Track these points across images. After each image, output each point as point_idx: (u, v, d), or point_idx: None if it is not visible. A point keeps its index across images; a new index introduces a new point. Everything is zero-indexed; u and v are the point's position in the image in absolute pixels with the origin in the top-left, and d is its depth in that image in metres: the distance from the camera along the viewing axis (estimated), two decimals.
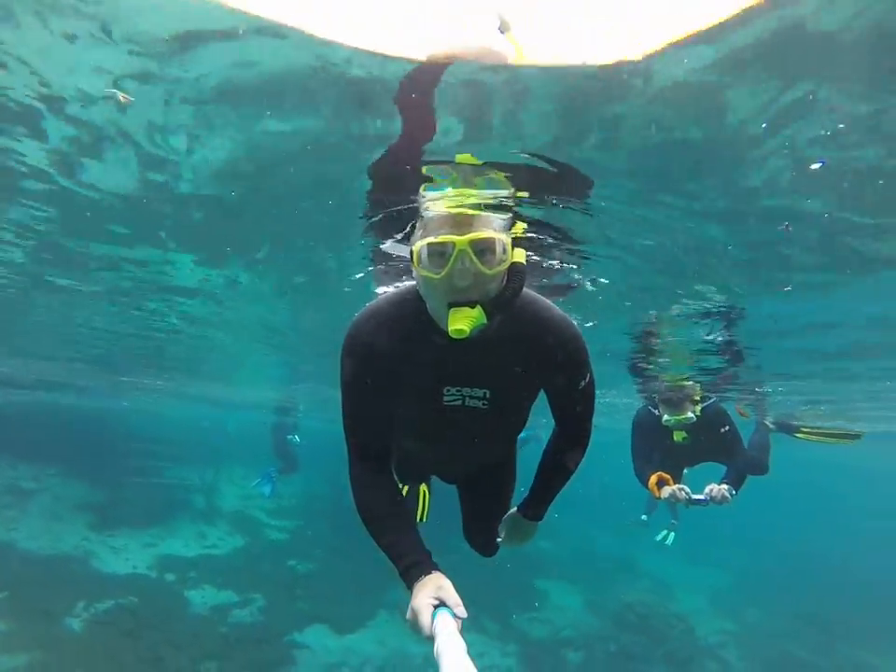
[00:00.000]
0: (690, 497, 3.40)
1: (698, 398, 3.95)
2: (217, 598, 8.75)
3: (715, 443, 3.96)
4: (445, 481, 2.29)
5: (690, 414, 3.78)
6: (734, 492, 3.54)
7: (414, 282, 1.57)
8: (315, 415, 16.13)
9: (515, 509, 2.05)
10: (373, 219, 2.56)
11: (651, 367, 5.50)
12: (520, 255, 1.41)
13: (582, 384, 1.65)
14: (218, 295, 4.53)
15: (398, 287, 1.73)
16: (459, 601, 1.27)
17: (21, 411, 14.88)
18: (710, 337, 4.43)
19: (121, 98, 1.72)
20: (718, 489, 3.48)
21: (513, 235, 2.54)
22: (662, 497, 3.51)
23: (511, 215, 2.38)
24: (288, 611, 8.66)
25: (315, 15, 1.45)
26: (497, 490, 2.27)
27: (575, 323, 1.59)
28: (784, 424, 4.87)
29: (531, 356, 1.57)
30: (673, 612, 9.86)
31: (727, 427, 3.94)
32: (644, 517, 10.31)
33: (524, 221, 2.49)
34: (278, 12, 1.44)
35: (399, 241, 2.70)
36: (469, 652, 1.09)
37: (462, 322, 1.31)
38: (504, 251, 1.35)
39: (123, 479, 12.36)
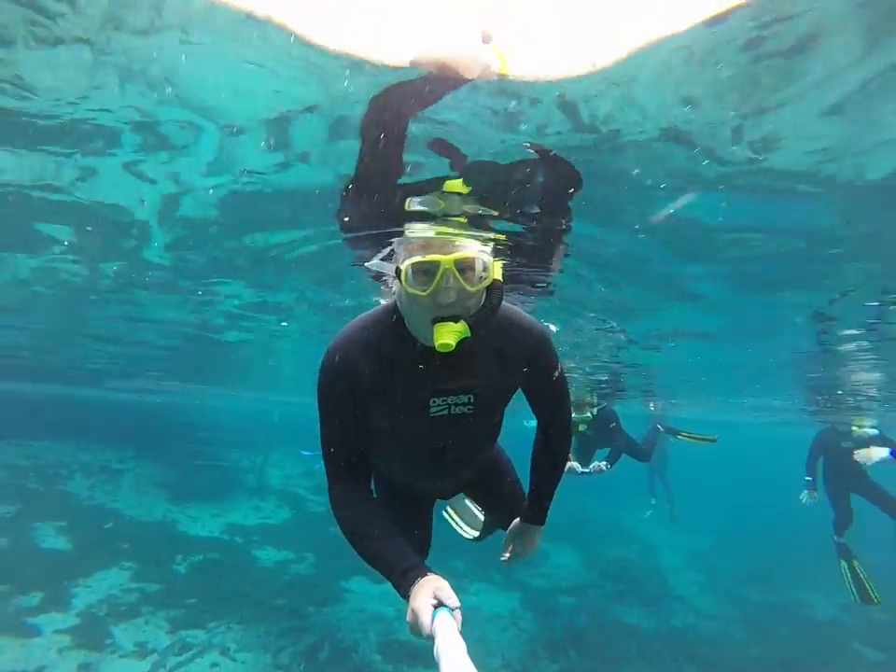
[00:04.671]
0: (580, 471, 5.19)
1: (595, 402, 5.85)
2: (278, 556, 10.85)
3: (606, 434, 5.87)
4: (436, 497, 2.29)
5: (588, 414, 5.71)
6: (609, 466, 5.42)
7: (383, 304, 1.69)
8: None
9: (518, 520, 2.10)
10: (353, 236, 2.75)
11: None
12: (498, 272, 1.48)
13: (556, 374, 1.79)
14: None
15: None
16: (456, 600, 1.28)
17: (102, 404, 17.28)
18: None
19: None
20: (596, 465, 5.35)
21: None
22: (566, 469, 5.28)
23: (492, 246, 2.56)
24: (335, 566, 10.68)
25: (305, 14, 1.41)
26: (499, 482, 2.35)
27: (539, 322, 1.74)
28: (670, 429, 6.72)
29: (507, 358, 1.66)
30: (652, 566, 11.78)
31: (614, 424, 5.87)
32: (653, 501, 12.72)
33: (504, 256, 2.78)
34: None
35: (382, 259, 2.84)
36: (468, 652, 1.09)
37: (448, 336, 1.38)
38: (485, 269, 1.44)
39: (188, 462, 14.64)
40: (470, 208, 2.29)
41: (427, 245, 1.50)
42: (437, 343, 1.40)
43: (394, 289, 1.58)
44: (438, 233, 2.46)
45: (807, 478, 6.83)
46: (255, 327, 6.68)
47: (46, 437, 13.94)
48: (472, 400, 1.68)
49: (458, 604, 1.28)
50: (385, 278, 3.45)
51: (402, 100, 1.62)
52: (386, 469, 2.02)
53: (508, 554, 2.12)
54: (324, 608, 8.76)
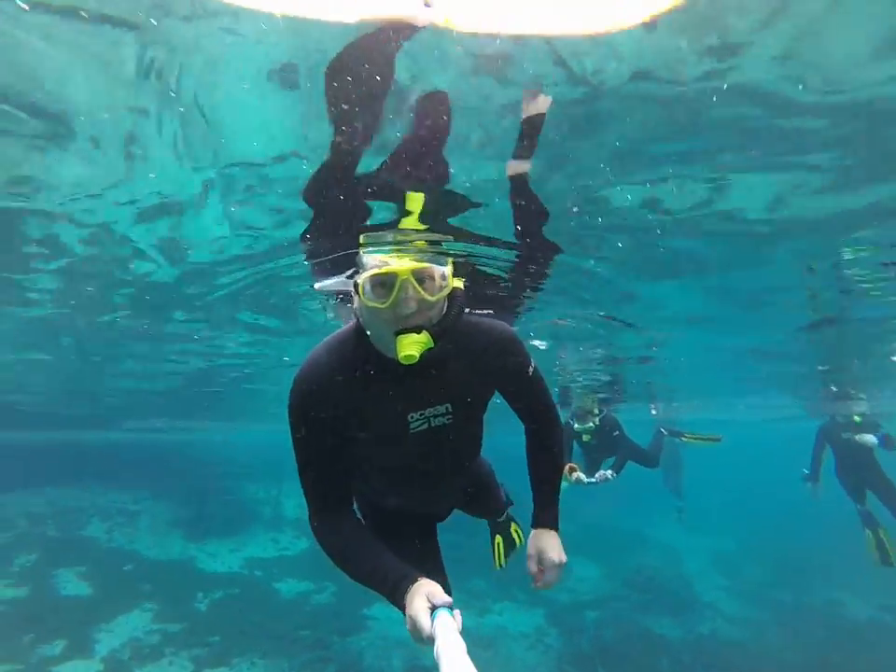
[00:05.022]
0: (586, 481, 5.16)
1: (596, 411, 5.87)
2: (299, 587, 10.76)
3: (610, 442, 5.89)
4: (433, 520, 2.19)
5: (591, 424, 5.71)
6: (615, 475, 5.39)
7: (344, 327, 1.66)
8: None
9: (532, 532, 1.88)
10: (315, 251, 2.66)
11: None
12: (458, 282, 1.49)
13: (530, 369, 1.76)
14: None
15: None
16: (448, 599, 1.30)
17: (114, 446, 17.40)
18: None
19: None
20: (602, 474, 5.32)
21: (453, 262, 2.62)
22: (572, 480, 5.21)
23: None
24: (356, 594, 10.52)
25: None
26: (486, 491, 2.46)
27: (503, 323, 1.74)
28: (674, 431, 6.75)
29: (478, 362, 1.65)
30: (676, 573, 11.58)
31: (617, 432, 5.89)
32: (679, 503, 12.51)
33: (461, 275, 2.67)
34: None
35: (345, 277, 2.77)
36: (468, 652, 1.09)
37: (411, 348, 1.36)
38: (444, 278, 1.44)
39: (202, 498, 14.64)
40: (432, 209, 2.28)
41: (384, 261, 1.50)
42: (400, 356, 1.38)
43: (355, 305, 1.55)
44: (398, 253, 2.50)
45: (804, 470, 6.89)
46: (256, 353, 6.80)
47: (62, 483, 14.06)
48: (451, 410, 1.65)
49: (450, 600, 1.30)
50: (341, 298, 3.40)
51: (372, 47, 1.50)
52: (375, 496, 1.98)
53: (539, 578, 1.82)
54: (347, 637, 8.67)
